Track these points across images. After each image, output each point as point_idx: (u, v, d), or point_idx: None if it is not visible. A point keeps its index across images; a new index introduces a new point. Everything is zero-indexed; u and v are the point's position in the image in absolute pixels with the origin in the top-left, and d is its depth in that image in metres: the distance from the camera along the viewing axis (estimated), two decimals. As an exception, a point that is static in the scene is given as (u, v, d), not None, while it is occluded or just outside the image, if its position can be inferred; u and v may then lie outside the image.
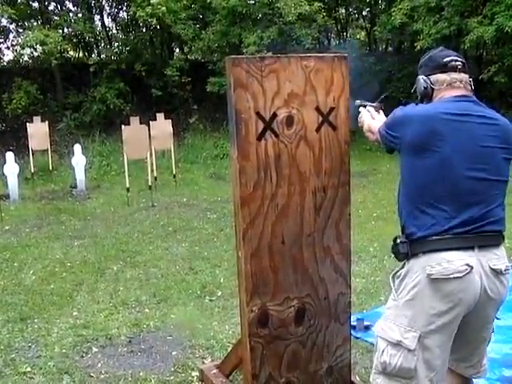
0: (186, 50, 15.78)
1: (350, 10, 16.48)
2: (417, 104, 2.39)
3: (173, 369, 3.51)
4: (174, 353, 3.74)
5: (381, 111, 2.70)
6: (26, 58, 15.24)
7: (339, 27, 16.75)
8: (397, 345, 2.13)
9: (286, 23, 12.46)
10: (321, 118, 2.60)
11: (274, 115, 2.49)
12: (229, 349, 3.36)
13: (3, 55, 15.19)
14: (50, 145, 10.70)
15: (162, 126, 9.43)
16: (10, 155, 9.56)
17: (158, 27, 13.93)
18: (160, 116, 9.58)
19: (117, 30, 16.22)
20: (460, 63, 2.31)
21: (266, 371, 2.67)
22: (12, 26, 14.45)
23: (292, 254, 2.63)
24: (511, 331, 3.80)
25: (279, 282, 2.62)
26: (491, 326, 2.32)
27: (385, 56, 15.71)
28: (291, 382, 2.74)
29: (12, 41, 15.06)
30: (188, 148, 12.97)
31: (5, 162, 9.53)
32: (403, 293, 2.16)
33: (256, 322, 2.60)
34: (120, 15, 15.94)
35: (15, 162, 9.65)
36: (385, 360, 2.16)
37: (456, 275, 2.04)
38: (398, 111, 2.31)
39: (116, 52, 14.43)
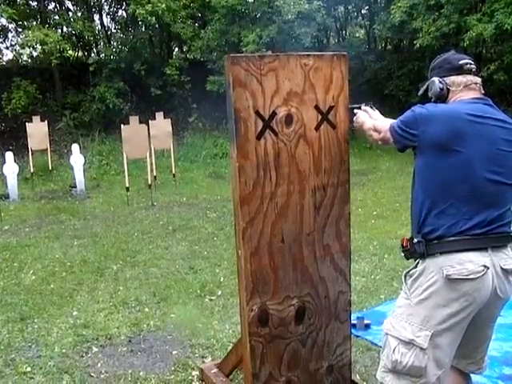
0: (185, 49, 15.77)
1: (349, 8, 16.46)
2: (435, 103, 2.37)
3: (173, 368, 3.51)
4: (174, 352, 3.73)
5: (375, 109, 2.66)
6: (25, 58, 15.25)
7: (338, 25, 16.73)
8: (409, 343, 2.14)
9: (285, 22, 12.45)
10: (320, 117, 2.60)
11: (274, 114, 2.49)
12: (229, 348, 3.36)
13: (2, 55, 15.21)
14: (50, 144, 10.71)
15: (162, 125, 9.43)
16: (9, 155, 9.57)
17: (157, 26, 13.93)
18: (159, 115, 9.58)
19: (116, 29, 16.22)
20: (474, 66, 2.35)
21: (267, 370, 2.67)
22: (11, 26, 14.45)
23: (292, 253, 2.63)
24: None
25: (279, 280, 2.62)
26: (495, 324, 2.35)
27: (384, 54, 15.71)
28: (291, 381, 2.74)
29: (11, 40, 15.08)
30: (187, 147, 12.97)
31: (4, 162, 9.54)
32: (417, 292, 2.17)
33: (256, 321, 2.59)
34: (119, 14, 15.94)
35: (14, 161, 9.65)
36: (396, 359, 2.17)
37: (473, 276, 2.07)
38: (418, 109, 2.25)
39: (115, 51, 14.42)
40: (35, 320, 4.33)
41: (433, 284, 2.13)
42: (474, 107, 2.23)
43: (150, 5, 12.14)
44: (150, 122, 9.27)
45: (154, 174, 9.52)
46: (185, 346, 3.82)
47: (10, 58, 15.50)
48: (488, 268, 2.09)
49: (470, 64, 2.34)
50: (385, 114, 2.60)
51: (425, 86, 2.45)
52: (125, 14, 15.52)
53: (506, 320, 3.82)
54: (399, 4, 11.90)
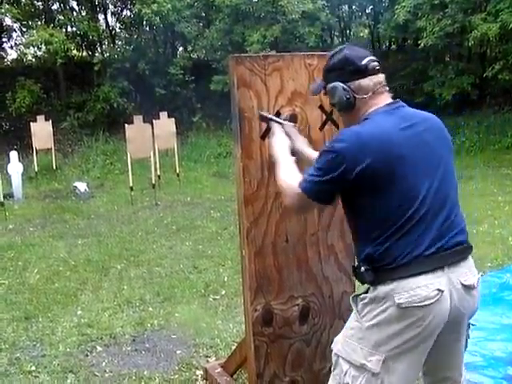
0: (189, 48, 15.79)
1: (353, 7, 16.44)
2: (344, 112, 2.12)
3: (177, 367, 3.51)
4: (178, 351, 3.74)
5: (297, 126, 2.42)
6: (29, 58, 15.30)
7: (342, 25, 16.72)
8: (360, 367, 1.99)
9: (290, 21, 12.46)
10: (324, 117, 2.60)
11: (278, 114, 2.49)
12: (233, 347, 3.36)
13: (7, 55, 15.25)
14: (54, 144, 10.73)
15: (166, 124, 9.44)
16: (13, 154, 9.59)
17: (162, 26, 13.95)
18: (163, 115, 9.59)
19: (120, 28, 16.25)
20: (377, 63, 2.06)
21: (271, 370, 2.67)
22: (16, 26, 14.50)
23: (296, 253, 2.63)
24: (516, 329, 3.78)
25: (283, 280, 2.62)
26: (464, 337, 2.15)
27: (388, 54, 15.69)
28: (295, 381, 2.73)
29: (15, 40, 15.13)
30: (191, 147, 12.98)
31: (9, 161, 9.56)
32: (368, 316, 2.00)
33: (260, 320, 2.59)
34: (124, 14, 15.96)
35: (19, 161, 9.68)
36: (347, 382, 2.02)
37: (426, 302, 1.89)
38: (337, 145, 1.95)
39: (119, 51, 14.45)
40: (40, 319, 4.34)
41: (384, 311, 1.95)
42: (396, 119, 2.00)
43: (155, 5, 12.16)
44: (153, 121, 9.27)
45: (158, 173, 9.53)
46: (189, 345, 3.82)
47: (15, 57, 15.56)
48: (443, 291, 1.91)
49: (373, 61, 2.04)
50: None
51: (321, 89, 2.18)
52: (129, 14, 15.55)
53: (511, 320, 3.80)
54: (403, 4, 11.89)
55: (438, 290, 1.91)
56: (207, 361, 3.55)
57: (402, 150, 1.93)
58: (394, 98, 2.11)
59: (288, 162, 2.22)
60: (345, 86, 2.03)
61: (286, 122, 2.41)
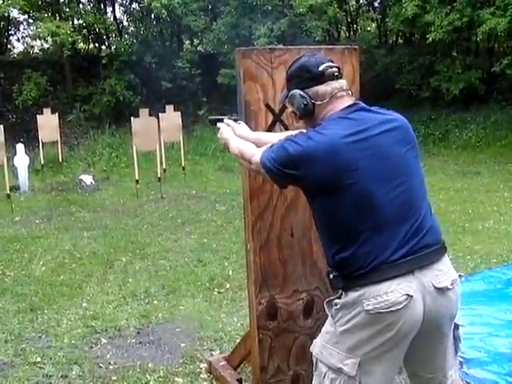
0: (196, 41, 15.76)
1: (361, 1, 16.35)
2: (301, 118, 2.17)
3: (181, 360, 3.52)
4: (182, 344, 3.75)
5: (242, 122, 2.46)
6: (36, 50, 15.32)
7: (349, 19, 16.64)
8: (337, 371, 2.00)
9: (297, 15, 12.41)
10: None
11: (284, 107, 2.48)
12: (237, 341, 3.36)
13: (14, 47, 15.27)
14: (60, 136, 10.74)
15: (172, 117, 9.42)
16: (20, 147, 9.60)
17: (169, 19, 13.93)
18: (169, 108, 9.57)
19: (127, 21, 16.24)
20: (336, 69, 2.09)
21: (275, 363, 2.68)
22: (23, 18, 14.51)
23: (301, 247, 2.63)
24: (521, 326, 3.77)
25: (288, 274, 2.62)
26: (449, 339, 2.11)
27: (395, 48, 15.61)
28: (299, 375, 2.74)
29: (22, 33, 15.15)
30: (197, 140, 12.97)
31: (15, 154, 9.57)
32: (341, 321, 2.01)
33: (264, 314, 2.60)
34: (132, 7, 15.93)
35: (25, 153, 9.69)
36: None
37: (394, 308, 1.90)
38: (291, 146, 1.97)
39: (126, 44, 14.44)
40: (45, 311, 4.36)
41: (355, 316, 1.96)
42: (349, 123, 1.98)
43: (165, -2, 12.16)
44: (159, 114, 9.25)
45: (164, 166, 9.53)
46: (193, 338, 3.83)
47: (21, 50, 15.59)
48: (412, 296, 1.91)
49: (331, 67, 2.07)
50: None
51: (285, 98, 2.19)
52: (137, 7, 15.53)
53: (515, 316, 3.79)
54: (411, -3, 11.81)
55: (407, 295, 1.90)
56: (211, 354, 3.56)
57: (350, 157, 1.93)
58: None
59: (238, 139, 2.34)
60: (302, 93, 2.08)
61: (225, 117, 2.49)
